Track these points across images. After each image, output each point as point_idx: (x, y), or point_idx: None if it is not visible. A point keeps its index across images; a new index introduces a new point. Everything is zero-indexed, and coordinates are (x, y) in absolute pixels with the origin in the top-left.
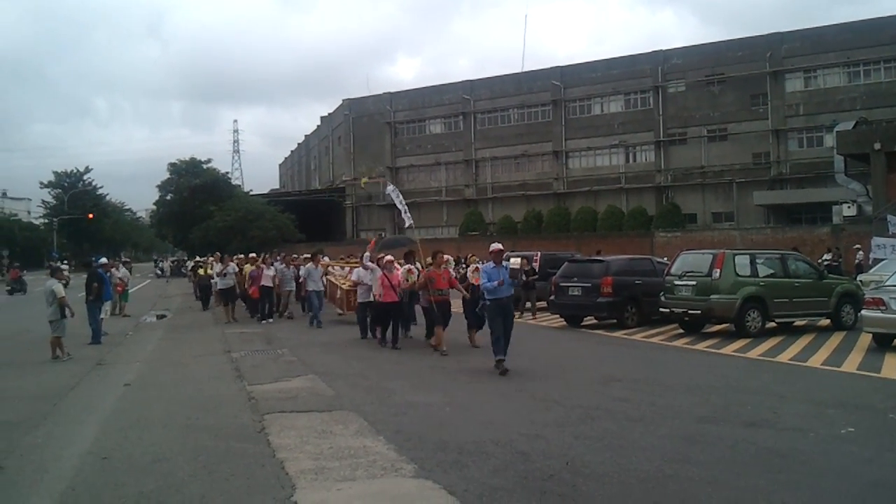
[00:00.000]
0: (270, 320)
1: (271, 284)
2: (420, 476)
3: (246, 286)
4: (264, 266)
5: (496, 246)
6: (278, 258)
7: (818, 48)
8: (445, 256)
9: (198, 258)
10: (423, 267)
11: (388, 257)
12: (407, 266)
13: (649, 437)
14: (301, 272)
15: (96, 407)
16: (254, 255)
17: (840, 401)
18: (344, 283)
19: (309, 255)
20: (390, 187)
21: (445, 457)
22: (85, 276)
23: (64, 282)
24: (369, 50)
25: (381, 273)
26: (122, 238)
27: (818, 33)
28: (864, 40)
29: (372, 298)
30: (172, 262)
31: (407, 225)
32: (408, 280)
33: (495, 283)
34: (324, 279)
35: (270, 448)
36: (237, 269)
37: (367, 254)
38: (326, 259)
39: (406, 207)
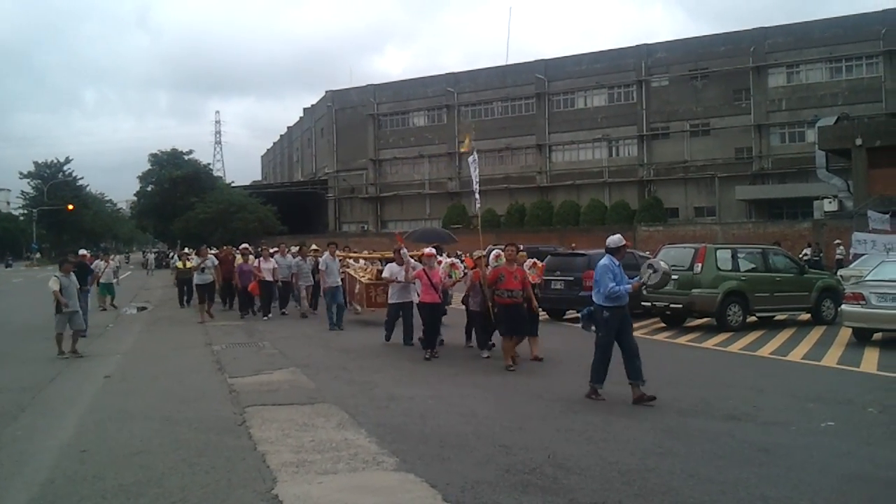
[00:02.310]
0: (269, 316)
1: (271, 279)
2: (401, 469)
3: (236, 281)
4: (262, 259)
5: (619, 239)
6: (274, 250)
7: (801, 44)
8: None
9: (186, 249)
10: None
11: (429, 250)
12: (450, 260)
13: (631, 431)
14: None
15: (76, 399)
16: (246, 245)
17: (820, 395)
18: (364, 277)
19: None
20: (472, 157)
21: (427, 450)
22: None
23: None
24: (359, 42)
25: (420, 269)
26: (102, 229)
27: (801, 29)
28: (847, 36)
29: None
30: (154, 253)
31: (477, 207)
32: (451, 276)
33: (628, 286)
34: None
35: (251, 441)
36: (216, 263)
37: (404, 249)
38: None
39: (478, 184)
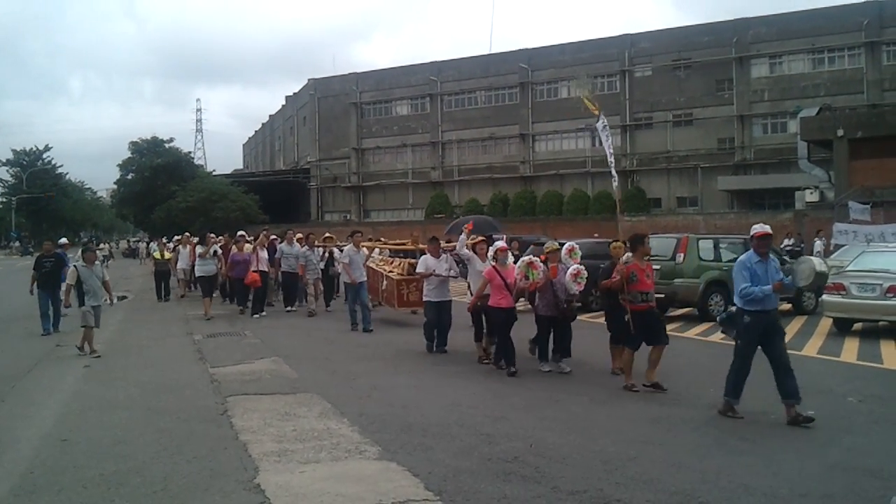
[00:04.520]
0: (263, 314)
1: (266, 269)
2: (384, 458)
3: (227, 271)
4: (260, 248)
5: (762, 228)
6: (276, 239)
7: (784, 34)
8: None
9: (177, 237)
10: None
11: (500, 243)
12: (528, 258)
13: (613, 420)
14: (340, 256)
15: (56, 389)
16: (242, 233)
17: (800, 384)
18: (392, 271)
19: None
20: (601, 123)
21: (410, 439)
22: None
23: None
24: (345, 30)
25: (490, 267)
26: (82, 218)
27: (784, 20)
28: (829, 27)
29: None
30: (146, 241)
31: (614, 184)
32: (528, 277)
33: (768, 287)
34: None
35: (233, 430)
36: (220, 252)
37: (463, 236)
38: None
39: (612, 156)
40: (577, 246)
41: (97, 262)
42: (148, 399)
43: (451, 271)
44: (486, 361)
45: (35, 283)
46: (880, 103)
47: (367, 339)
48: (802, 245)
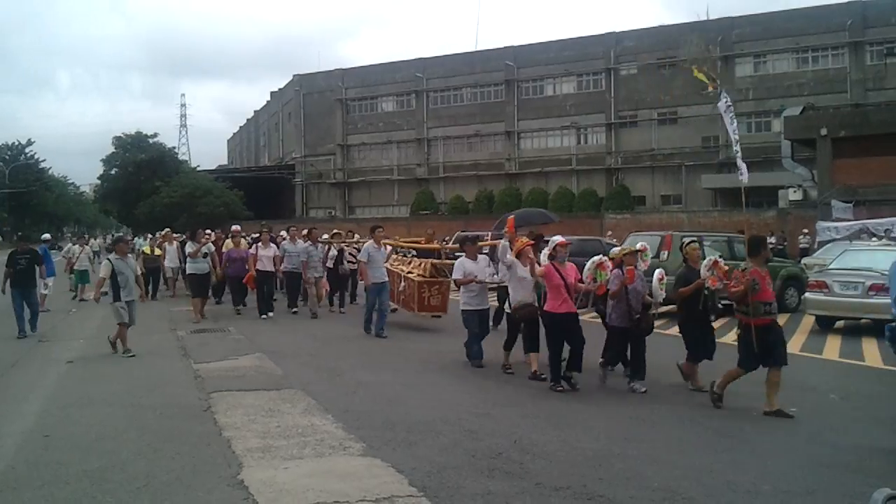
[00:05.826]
0: (270, 314)
1: (272, 269)
2: (368, 454)
3: (221, 270)
4: (263, 246)
5: None
6: (283, 234)
7: (768, 34)
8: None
9: (160, 233)
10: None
11: (559, 238)
12: (598, 258)
13: (597, 417)
14: (359, 254)
15: (38, 384)
16: (237, 227)
17: (783, 382)
18: (413, 272)
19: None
20: (723, 101)
21: (394, 435)
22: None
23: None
24: (332, 26)
25: (547, 264)
26: (64, 213)
27: (768, 19)
28: (813, 27)
29: (507, 306)
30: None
31: (742, 176)
32: (597, 279)
33: None
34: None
35: (217, 427)
36: (213, 249)
37: (505, 242)
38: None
39: (737, 139)
40: (647, 246)
41: (129, 255)
42: (131, 395)
43: (495, 276)
44: (510, 371)
45: (7, 282)
46: (864, 103)
47: (355, 338)
48: (785, 243)
